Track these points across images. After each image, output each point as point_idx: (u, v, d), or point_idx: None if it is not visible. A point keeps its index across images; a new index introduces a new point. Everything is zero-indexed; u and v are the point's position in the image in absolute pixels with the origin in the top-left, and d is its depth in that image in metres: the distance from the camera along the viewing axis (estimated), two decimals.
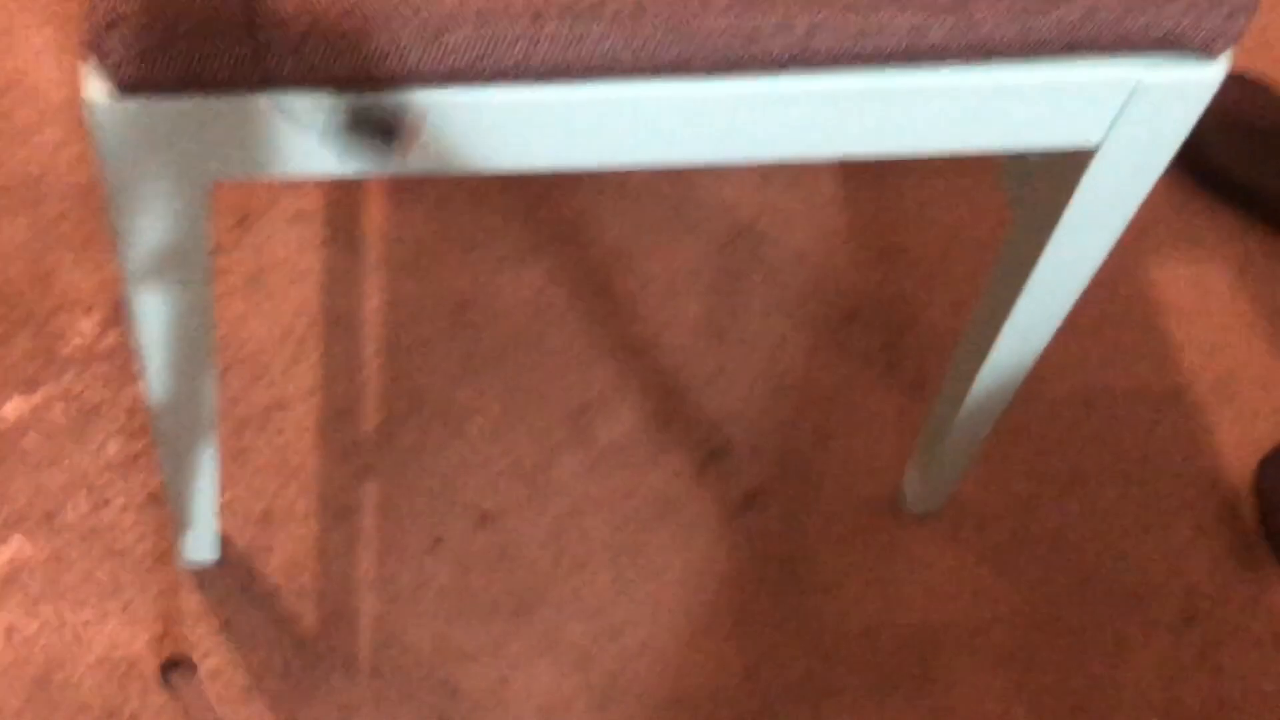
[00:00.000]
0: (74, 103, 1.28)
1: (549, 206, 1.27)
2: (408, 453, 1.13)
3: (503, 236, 1.24)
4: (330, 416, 1.14)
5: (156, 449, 0.95)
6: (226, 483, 1.10)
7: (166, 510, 1.08)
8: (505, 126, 0.68)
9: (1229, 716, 1.08)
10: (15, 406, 1.12)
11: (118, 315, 1.16)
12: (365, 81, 0.63)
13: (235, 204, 1.23)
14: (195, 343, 0.82)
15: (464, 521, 1.11)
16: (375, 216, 1.24)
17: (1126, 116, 0.73)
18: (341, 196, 1.25)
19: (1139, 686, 1.09)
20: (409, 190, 1.26)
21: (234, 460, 1.11)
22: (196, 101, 0.63)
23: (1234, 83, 1.32)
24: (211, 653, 1.03)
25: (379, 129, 0.53)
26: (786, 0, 0.65)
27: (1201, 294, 1.28)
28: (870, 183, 1.31)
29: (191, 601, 1.05)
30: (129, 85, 0.62)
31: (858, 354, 1.22)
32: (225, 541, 1.08)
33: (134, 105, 0.63)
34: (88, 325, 1.16)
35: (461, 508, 1.11)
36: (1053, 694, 1.08)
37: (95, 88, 0.63)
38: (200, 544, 1.05)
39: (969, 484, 1.16)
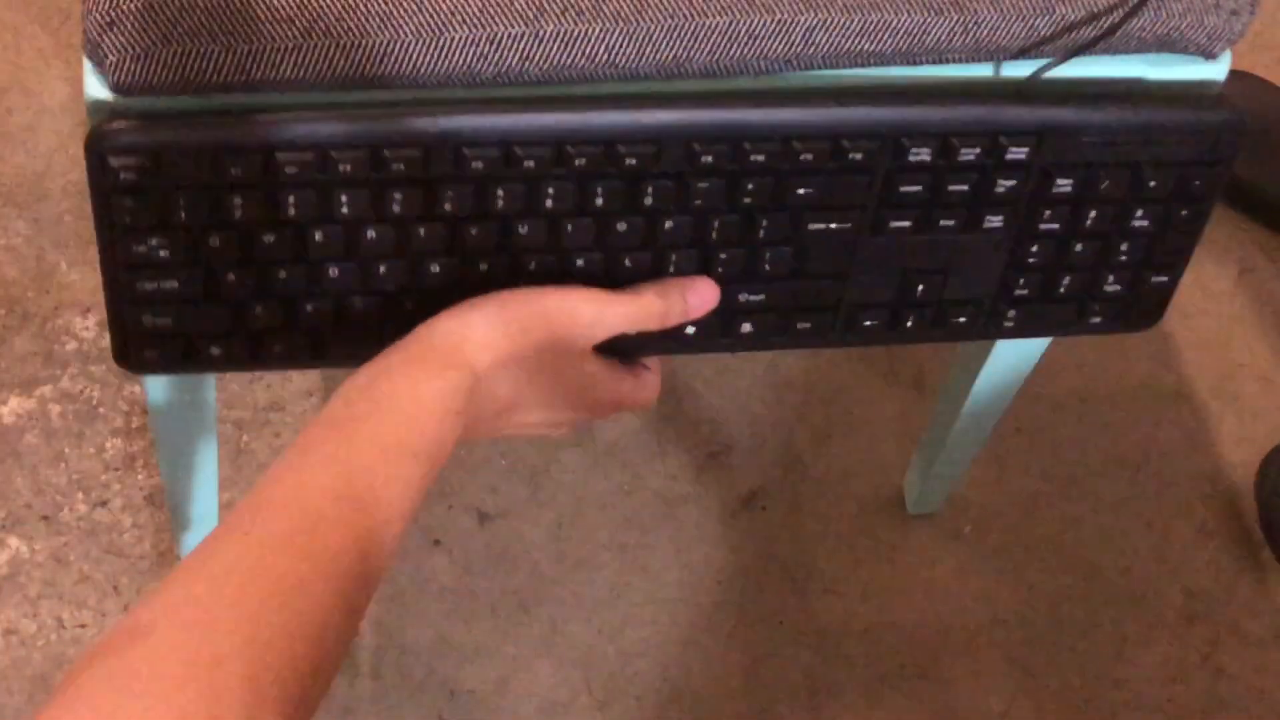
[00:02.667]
0: (75, 103, 1.28)
1: None
2: None
3: None
4: None
5: (156, 449, 0.95)
6: (226, 483, 1.10)
7: (166, 510, 1.08)
8: None
9: (1229, 716, 1.08)
10: (15, 406, 1.12)
11: None
12: (364, 81, 0.63)
13: None
14: None
15: (464, 521, 1.11)
16: None
17: None
18: None
19: (1139, 686, 1.09)
20: None
21: (234, 460, 1.11)
22: (195, 102, 0.63)
23: (1236, 82, 1.32)
24: None
25: None
26: (786, 0, 0.65)
27: (1201, 294, 1.28)
28: None
29: None
30: (127, 86, 0.62)
31: (858, 354, 1.22)
32: None
33: (133, 105, 0.63)
34: (87, 325, 1.16)
35: (461, 508, 1.11)
36: (1053, 694, 1.08)
37: (95, 88, 0.63)
38: None
39: (969, 484, 1.16)
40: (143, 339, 0.67)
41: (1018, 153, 0.68)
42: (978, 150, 0.67)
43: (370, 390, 0.61)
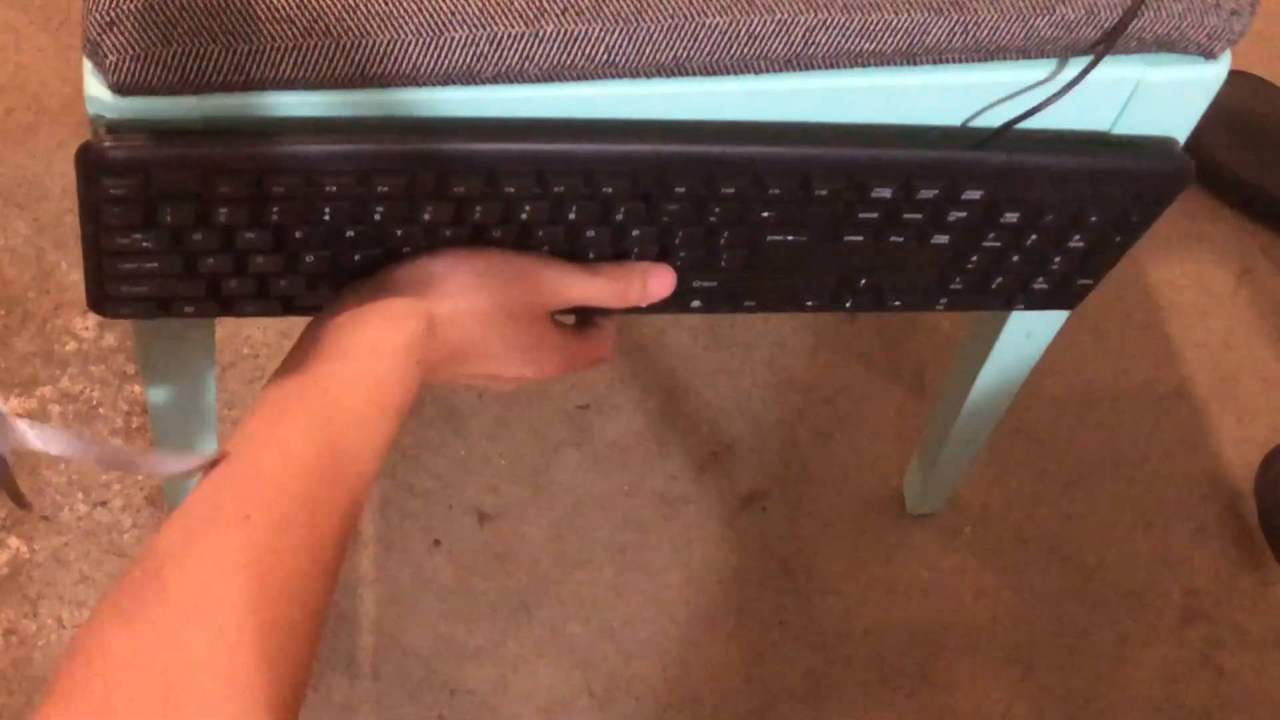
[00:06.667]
0: (75, 103, 1.28)
1: None
2: (407, 453, 1.13)
3: None
4: None
5: (156, 449, 0.95)
6: None
7: (166, 510, 1.08)
8: None
9: (1229, 716, 1.08)
10: (14, 406, 1.12)
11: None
12: (364, 81, 0.63)
13: None
14: (195, 343, 0.82)
15: (464, 521, 1.11)
16: None
17: (1127, 116, 0.73)
18: None
19: (1139, 686, 1.09)
20: None
21: None
22: (196, 101, 0.63)
23: (1236, 82, 1.32)
24: None
25: None
26: (786, 0, 0.65)
27: (1202, 294, 1.28)
28: None
29: None
30: (127, 86, 0.62)
31: (858, 354, 1.22)
32: None
33: (133, 105, 0.63)
34: (87, 325, 1.16)
35: (461, 508, 1.11)
36: (1053, 694, 1.08)
37: (95, 88, 0.63)
38: None
39: (969, 484, 1.16)
40: (118, 299, 0.69)
41: (973, 194, 0.71)
42: (936, 191, 0.71)
43: (338, 342, 0.64)
